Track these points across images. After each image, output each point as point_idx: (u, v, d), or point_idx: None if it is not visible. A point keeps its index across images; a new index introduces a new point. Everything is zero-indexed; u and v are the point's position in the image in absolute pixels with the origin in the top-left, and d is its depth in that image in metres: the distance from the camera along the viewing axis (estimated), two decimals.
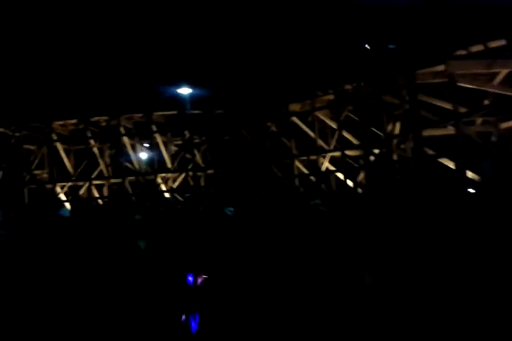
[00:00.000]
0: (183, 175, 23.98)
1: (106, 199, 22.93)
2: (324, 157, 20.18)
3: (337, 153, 19.55)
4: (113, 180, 24.16)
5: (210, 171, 23.88)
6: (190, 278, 4.69)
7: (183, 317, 4.56)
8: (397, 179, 14.17)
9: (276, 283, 4.94)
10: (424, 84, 15.71)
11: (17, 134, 23.40)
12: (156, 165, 24.35)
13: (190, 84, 21.84)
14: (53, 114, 22.78)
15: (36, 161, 24.10)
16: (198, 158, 24.04)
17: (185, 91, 21.80)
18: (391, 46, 14.01)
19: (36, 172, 23.97)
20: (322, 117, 20.45)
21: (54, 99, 22.04)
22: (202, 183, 24.04)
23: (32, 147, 24.07)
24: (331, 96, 19.70)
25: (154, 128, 23.68)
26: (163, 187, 23.63)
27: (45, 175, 24.12)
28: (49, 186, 23.80)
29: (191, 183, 23.79)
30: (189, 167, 23.87)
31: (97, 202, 23.26)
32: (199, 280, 4.57)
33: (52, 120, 23.20)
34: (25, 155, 23.70)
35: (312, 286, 5.16)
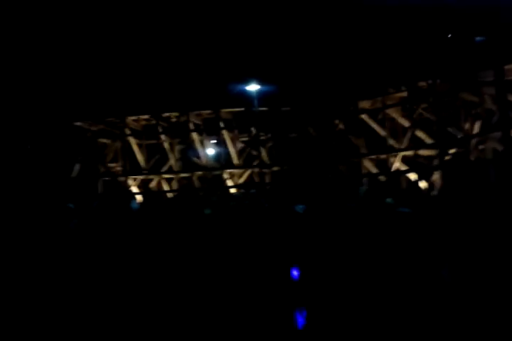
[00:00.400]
0: (248, 172, 23.95)
1: (175, 193, 23.37)
2: (395, 156, 19.41)
3: (409, 153, 18.74)
4: (182, 175, 24.59)
5: (275, 168, 23.70)
6: (295, 273, 4.46)
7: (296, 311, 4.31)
8: (475, 181, 13.27)
9: (369, 279, 4.74)
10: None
11: (93, 128, 24.27)
12: (222, 160, 24.49)
13: (258, 81, 21.73)
14: (127, 110, 23.47)
15: (111, 155, 24.98)
16: (264, 154, 23.89)
17: (253, 88, 21.70)
18: (479, 38, 12.97)
19: (110, 165, 24.83)
20: (393, 115, 19.64)
21: (128, 96, 22.68)
22: (267, 180, 23.91)
23: (107, 141, 24.96)
24: (404, 94, 18.87)
25: (222, 124, 23.81)
26: (229, 183, 23.73)
27: (119, 168, 24.93)
28: (122, 179, 24.59)
29: (256, 180, 23.72)
30: (255, 163, 23.79)
31: (167, 196, 23.77)
32: (299, 274, 4.35)
33: (126, 115, 23.92)
34: (100, 148, 24.65)
35: (399, 282, 4.98)
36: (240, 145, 24.18)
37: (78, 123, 23.81)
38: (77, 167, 23.59)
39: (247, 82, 21.39)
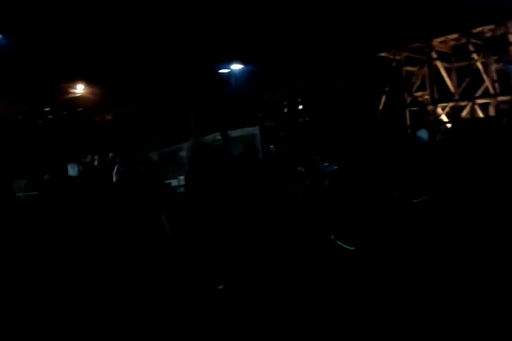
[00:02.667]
0: None
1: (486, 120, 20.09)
2: None
3: None
4: (500, 98, 20.85)
5: None
6: None
7: None
8: None
9: None
10: None
11: (397, 57, 22.84)
12: None
13: None
14: (432, 32, 20.91)
15: (417, 83, 23.22)
16: None
17: None
18: None
19: (417, 94, 23.17)
20: None
21: (433, 15, 20.02)
22: None
23: (412, 69, 23.19)
24: None
25: None
26: None
27: (426, 97, 23.04)
28: (430, 108, 22.72)
29: None
30: None
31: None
32: None
33: (431, 37, 21.47)
34: (406, 77, 23.18)
35: None
36: None
37: (382, 54, 22.86)
38: (383, 99, 23.02)
39: None
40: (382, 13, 20.22)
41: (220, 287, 4.83)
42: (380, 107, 22.97)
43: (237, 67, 21.40)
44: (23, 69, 23.90)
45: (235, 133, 14.61)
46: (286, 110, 31.04)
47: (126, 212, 5.66)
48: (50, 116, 29.16)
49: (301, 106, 30.63)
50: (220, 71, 21.62)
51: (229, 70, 21.55)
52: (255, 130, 15.53)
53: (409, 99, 22.54)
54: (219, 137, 14.49)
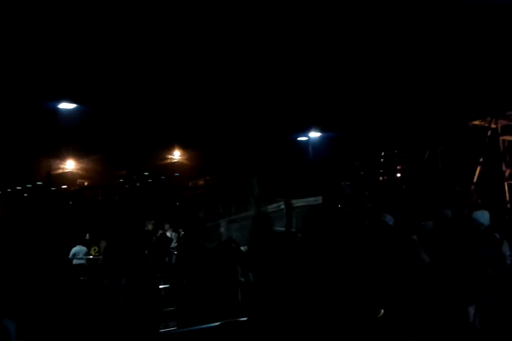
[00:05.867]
0: None
1: None
2: None
3: None
4: None
5: None
6: None
7: None
8: None
9: None
10: None
11: (493, 126, 21.09)
12: None
13: None
14: None
15: None
16: None
17: None
18: None
19: None
20: None
21: None
22: None
23: (511, 138, 21.12)
24: None
25: None
26: None
27: None
28: None
29: None
30: None
31: None
32: None
33: None
34: (503, 147, 21.08)
35: None
36: None
37: (475, 122, 21.25)
38: (477, 170, 21.05)
39: None
40: (475, 76, 19.06)
41: None
42: (475, 179, 21.01)
43: (315, 134, 21.45)
44: (127, 137, 26.31)
45: (297, 202, 14.29)
46: (381, 178, 30.01)
47: None
48: (149, 180, 31.41)
49: (398, 174, 29.51)
50: (299, 139, 21.83)
51: (307, 138, 21.66)
52: (319, 200, 15.07)
53: (508, 172, 20.37)
54: (283, 206, 14.23)
